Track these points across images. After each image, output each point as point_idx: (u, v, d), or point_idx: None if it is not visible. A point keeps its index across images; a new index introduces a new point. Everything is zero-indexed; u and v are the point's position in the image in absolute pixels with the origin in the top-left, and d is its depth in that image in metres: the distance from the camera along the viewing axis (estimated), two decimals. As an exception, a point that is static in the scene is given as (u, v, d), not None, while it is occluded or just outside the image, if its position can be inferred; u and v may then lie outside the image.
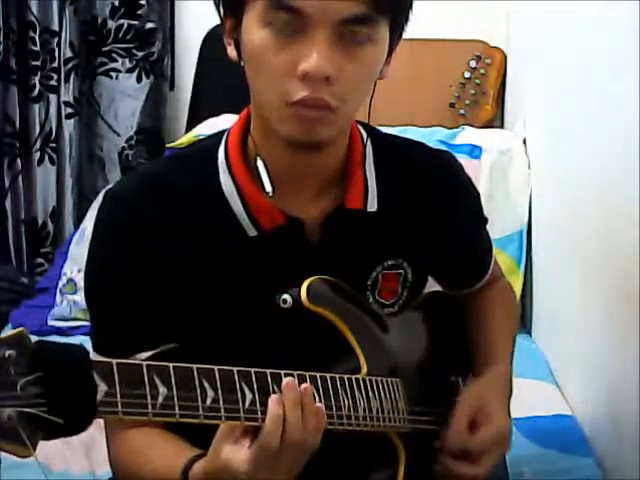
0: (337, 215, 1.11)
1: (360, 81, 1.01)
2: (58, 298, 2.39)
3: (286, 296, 1.03)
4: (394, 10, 1.00)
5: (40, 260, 2.89)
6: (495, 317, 1.32)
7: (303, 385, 0.90)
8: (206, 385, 0.80)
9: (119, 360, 0.73)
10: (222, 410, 0.81)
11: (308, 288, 1.03)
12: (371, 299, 1.15)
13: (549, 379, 1.96)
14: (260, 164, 1.07)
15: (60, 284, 2.41)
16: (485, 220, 1.33)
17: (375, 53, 1.00)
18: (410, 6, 1.04)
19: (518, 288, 2.24)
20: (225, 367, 0.83)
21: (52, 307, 2.39)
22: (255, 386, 0.85)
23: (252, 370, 0.86)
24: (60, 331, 2.30)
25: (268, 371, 0.91)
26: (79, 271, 2.36)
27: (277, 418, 0.87)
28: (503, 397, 1.21)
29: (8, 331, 0.68)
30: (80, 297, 2.29)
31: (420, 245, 1.19)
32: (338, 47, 0.96)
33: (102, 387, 0.70)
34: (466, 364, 1.29)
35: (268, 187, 1.05)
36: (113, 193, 1.11)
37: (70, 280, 2.41)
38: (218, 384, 0.81)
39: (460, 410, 1.15)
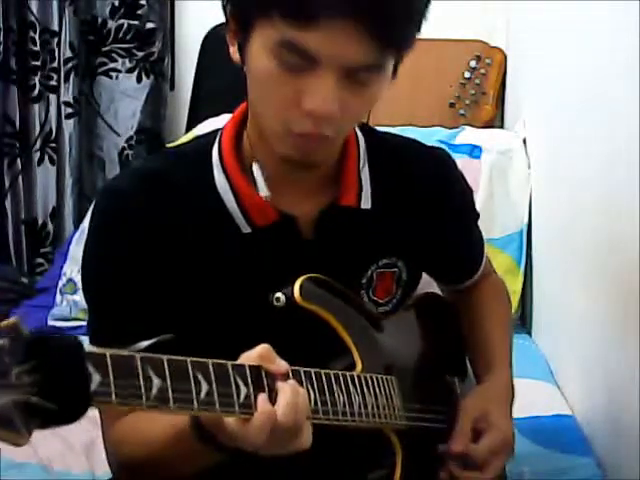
0: (331, 212, 1.11)
1: (362, 112, 1.03)
2: (58, 298, 2.40)
3: (279, 294, 1.02)
4: (401, 50, 0.99)
5: (40, 260, 2.89)
6: (491, 316, 1.31)
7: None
8: (200, 378, 0.80)
9: (112, 351, 0.73)
10: (217, 403, 0.81)
11: (301, 286, 1.03)
12: (366, 298, 1.15)
13: (549, 379, 1.96)
14: (256, 168, 1.07)
15: (60, 284, 2.42)
16: (477, 216, 1.32)
17: (380, 85, 1.00)
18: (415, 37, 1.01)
19: (518, 288, 2.23)
20: (219, 360, 0.83)
21: (52, 307, 2.39)
22: (249, 380, 0.84)
23: (246, 364, 0.86)
24: (60, 331, 2.29)
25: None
26: (79, 271, 2.35)
27: (266, 416, 0.85)
28: (505, 403, 1.21)
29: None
30: (80, 297, 2.29)
31: (414, 243, 1.18)
32: (345, 86, 0.96)
33: (96, 377, 0.70)
34: (460, 362, 1.29)
35: (264, 192, 1.06)
36: (109, 187, 1.12)
37: (70, 280, 2.41)
38: (212, 377, 0.81)
39: (463, 419, 1.16)
